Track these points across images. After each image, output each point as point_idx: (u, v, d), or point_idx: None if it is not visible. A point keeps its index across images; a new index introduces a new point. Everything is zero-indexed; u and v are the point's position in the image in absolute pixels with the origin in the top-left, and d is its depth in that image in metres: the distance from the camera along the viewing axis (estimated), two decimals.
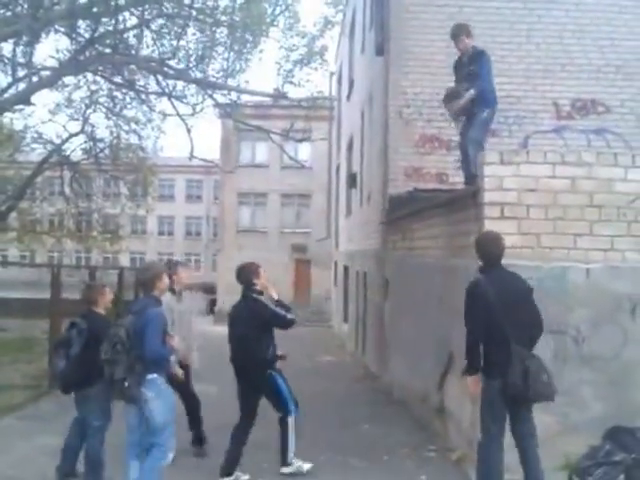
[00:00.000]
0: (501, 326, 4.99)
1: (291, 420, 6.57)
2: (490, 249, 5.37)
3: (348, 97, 20.09)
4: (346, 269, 20.25)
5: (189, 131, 17.70)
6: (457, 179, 8.60)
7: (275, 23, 15.98)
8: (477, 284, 5.23)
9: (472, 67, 7.62)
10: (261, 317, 6.44)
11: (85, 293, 6.49)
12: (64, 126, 22.68)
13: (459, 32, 7.74)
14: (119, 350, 5.24)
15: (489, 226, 6.31)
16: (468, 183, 7.93)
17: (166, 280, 5.83)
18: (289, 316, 6.52)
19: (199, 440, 7.41)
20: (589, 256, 6.36)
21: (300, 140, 21.95)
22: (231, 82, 16.58)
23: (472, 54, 7.67)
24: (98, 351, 5.60)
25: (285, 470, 6.60)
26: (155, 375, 5.39)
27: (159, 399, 5.38)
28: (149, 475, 5.43)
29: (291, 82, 16.81)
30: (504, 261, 5.44)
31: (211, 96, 17.08)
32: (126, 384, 5.23)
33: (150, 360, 5.30)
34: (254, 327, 6.41)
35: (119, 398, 5.48)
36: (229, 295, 6.46)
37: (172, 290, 7.09)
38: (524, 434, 5.20)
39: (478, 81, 7.53)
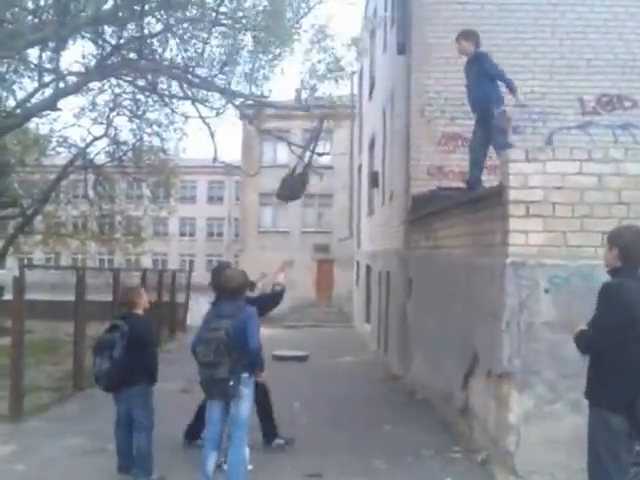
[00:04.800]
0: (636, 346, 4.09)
1: None
2: (637, 245, 4.33)
3: (370, 96, 20.01)
4: (368, 269, 20.18)
5: (212, 135, 17.64)
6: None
7: (298, 26, 15.83)
8: (622, 286, 4.17)
9: (477, 68, 7.73)
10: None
11: (125, 296, 6.65)
12: (88, 130, 22.79)
13: (457, 36, 8.02)
14: (222, 352, 5.45)
15: (514, 225, 6.23)
16: (470, 187, 7.86)
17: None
18: None
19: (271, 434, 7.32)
20: None
21: (321, 154, 21.78)
22: (254, 89, 16.52)
23: (474, 57, 7.83)
24: (140, 352, 6.01)
25: None
26: (247, 374, 5.64)
27: (249, 396, 5.70)
28: (237, 462, 5.65)
29: (314, 94, 16.64)
30: (533, 260, 5.26)
31: (233, 103, 17.03)
32: (231, 383, 5.46)
33: (254, 353, 5.54)
34: None
35: (215, 396, 5.64)
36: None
37: None
38: None
39: (495, 82, 7.64)
